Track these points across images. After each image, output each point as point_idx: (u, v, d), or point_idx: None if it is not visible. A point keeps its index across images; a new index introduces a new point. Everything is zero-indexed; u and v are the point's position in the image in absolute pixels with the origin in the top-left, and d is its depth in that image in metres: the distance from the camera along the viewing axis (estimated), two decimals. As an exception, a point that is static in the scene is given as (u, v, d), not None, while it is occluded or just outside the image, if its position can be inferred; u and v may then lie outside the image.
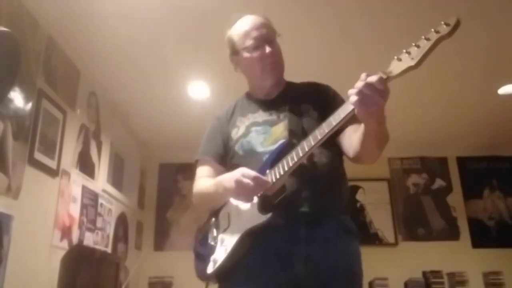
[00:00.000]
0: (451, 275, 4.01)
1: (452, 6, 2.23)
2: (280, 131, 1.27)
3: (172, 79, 3.08)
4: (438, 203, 4.45)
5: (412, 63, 0.91)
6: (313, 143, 1.07)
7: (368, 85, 0.94)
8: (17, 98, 2.08)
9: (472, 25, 2.44)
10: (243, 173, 1.13)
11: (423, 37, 0.92)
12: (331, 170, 1.24)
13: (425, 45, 0.91)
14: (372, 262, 4.03)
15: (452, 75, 3.06)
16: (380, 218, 4.36)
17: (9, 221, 1.95)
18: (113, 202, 3.43)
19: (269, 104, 1.36)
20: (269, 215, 1.11)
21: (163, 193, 4.45)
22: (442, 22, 0.90)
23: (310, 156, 1.16)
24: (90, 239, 2.89)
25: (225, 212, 1.27)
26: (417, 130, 4.04)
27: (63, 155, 2.52)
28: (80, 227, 2.74)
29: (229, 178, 1.17)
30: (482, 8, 2.34)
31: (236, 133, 1.35)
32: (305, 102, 1.32)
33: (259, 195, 1.14)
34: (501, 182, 4.50)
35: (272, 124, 1.30)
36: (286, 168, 1.11)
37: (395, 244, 4.28)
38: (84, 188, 2.83)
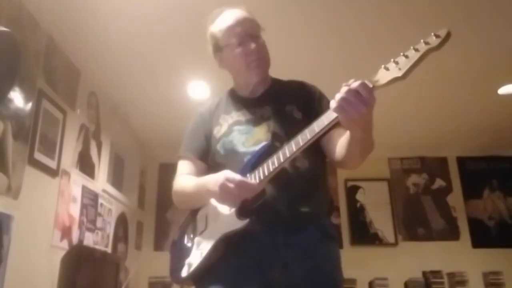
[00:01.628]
0: (451, 275, 4.01)
1: (451, 6, 2.24)
2: (263, 132, 1.23)
3: (172, 79, 3.08)
4: (438, 203, 4.45)
5: (399, 74, 0.89)
6: (294, 149, 1.04)
7: (351, 92, 0.91)
8: (17, 98, 2.08)
9: (472, 25, 2.44)
10: (228, 178, 1.07)
11: (411, 47, 0.89)
12: (313, 175, 1.21)
13: (413, 56, 0.88)
14: (372, 262, 4.11)
15: (452, 75, 3.05)
16: (380, 218, 4.37)
17: (9, 221, 1.95)
18: (113, 202, 3.43)
19: (254, 103, 1.31)
20: (246, 220, 1.08)
21: (163, 193, 4.44)
22: (432, 34, 0.87)
23: (293, 160, 1.13)
24: (90, 239, 2.89)
25: (203, 214, 1.25)
26: (417, 130, 4.04)
27: (63, 155, 2.52)
28: (80, 227, 2.74)
29: (213, 181, 1.11)
30: (482, 8, 2.33)
31: (218, 131, 1.31)
32: (290, 102, 1.28)
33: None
34: (501, 182, 4.50)
35: (255, 124, 1.26)
36: (266, 173, 1.08)
37: (395, 244, 4.28)
38: (84, 188, 2.83)
